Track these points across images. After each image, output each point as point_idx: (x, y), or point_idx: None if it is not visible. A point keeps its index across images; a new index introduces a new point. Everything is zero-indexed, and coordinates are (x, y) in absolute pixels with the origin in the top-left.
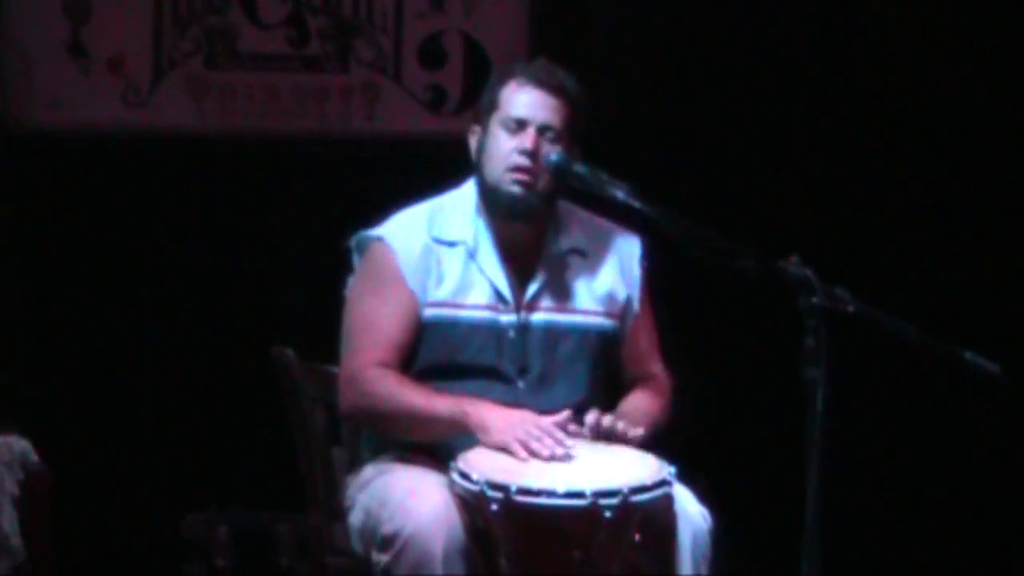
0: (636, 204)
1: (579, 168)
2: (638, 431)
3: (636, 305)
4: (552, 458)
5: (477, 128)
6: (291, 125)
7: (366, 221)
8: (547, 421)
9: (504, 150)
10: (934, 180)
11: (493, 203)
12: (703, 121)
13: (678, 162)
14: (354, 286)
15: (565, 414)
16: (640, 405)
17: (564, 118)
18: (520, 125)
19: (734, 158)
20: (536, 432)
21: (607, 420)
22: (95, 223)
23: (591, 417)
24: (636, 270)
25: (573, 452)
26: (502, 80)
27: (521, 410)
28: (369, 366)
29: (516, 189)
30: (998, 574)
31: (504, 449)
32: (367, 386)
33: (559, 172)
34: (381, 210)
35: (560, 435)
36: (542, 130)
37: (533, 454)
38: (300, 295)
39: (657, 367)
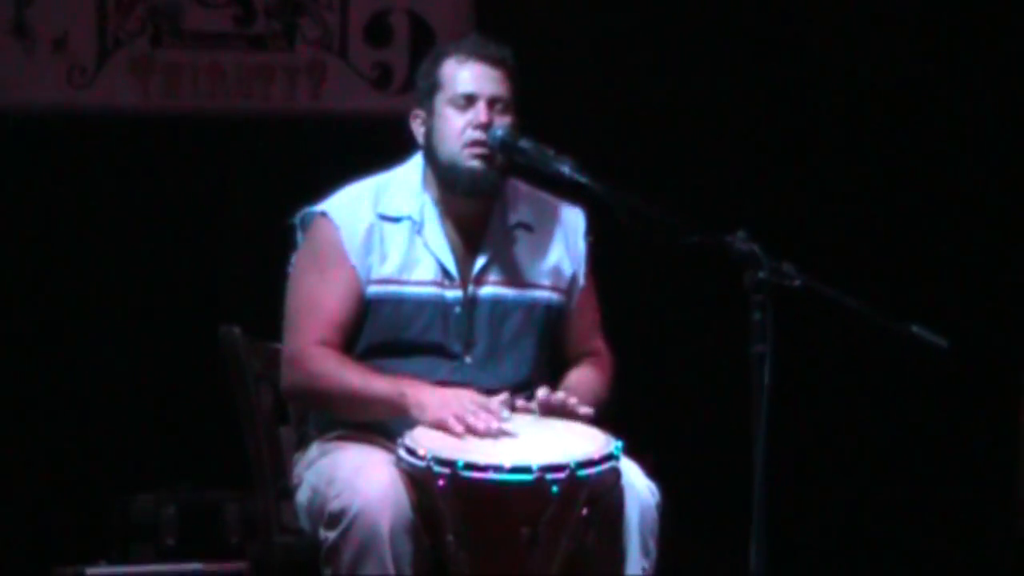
0: (581, 179)
1: (524, 143)
2: (588, 410)
3: (581, 280)
4: (488, 433)
5: (420, 112)
6: (237, 104)
7: (312, 199)
8: (484, 399)
9: (457, 127)
10: (881, 153)
11: (452, 181)
12: (647, 95)
13: (621, 137)
14: (297, 263)
15: (504, 395)
16: (585, 380)
17: (509, 88)
18: (469, 100)
19: (678, 132)
20: (472, 407)
21: (557, 396)
22: (40, 203)
23: (541, 393)
24: (581, 244)
25: (518, 428)
26: (438, 60)
27: (459, 389)
28: (310, 345)
29: (476, 163)
30: (943, 545)
31: (442, 427)
32: (307, 365)
33: (505, 148)
34: (327, 188)
35: (497, 410)
36: (492, 102)
37: (470, 429)
38: (247, 273)
39: (599, 343)
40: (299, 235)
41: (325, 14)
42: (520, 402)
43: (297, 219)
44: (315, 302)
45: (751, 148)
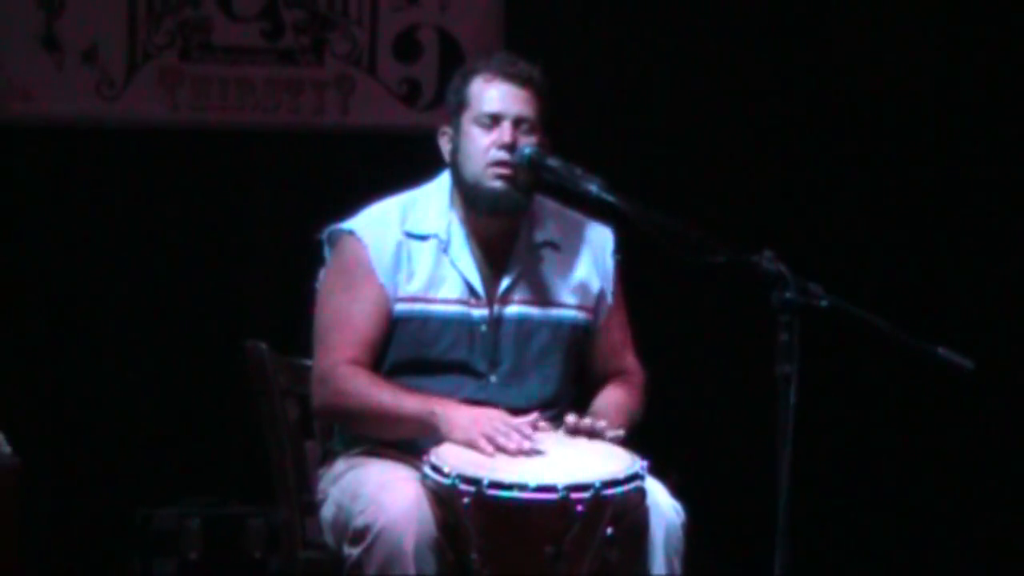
0: (609, 198)
1: (552, 162)
2: (619, 433)
3: (609, 298)
4: (519, 452)
5: (448, 129)
6: (265, 118)
7: (340, 215)
8: (515, 419)
9: (481, 147)
10: (909, 176)
11: (475, 200)
12: (675, 114)
13: (650, 156)
14: (325, 280)
15: (534, 415)
16: (616, 400)
17: (536, 108)
18: (495, 120)
19: (707, 151)
20: (503, 428)
21: (584, 423)
22: (68, 216)
23: (570, 419)
24: (609, 262)
25: (545, 447)
26: (467, 78)
27: (489, 408)
28: (340, 363)
29: (498, 184)
30: (969, 564)
31: (472, 446)
32: (338, 384)
33: (532, 166)
34: (355, 204)
35: (528, 431)
36: (517, 122)
37: (500, 449)
38: (273, 288)
39: (630, 361)
40: (326, 251)
41: (354, 29)
42: (543, 423)
43: (324, 236)
44: (344, 320)
45: (780, 168)
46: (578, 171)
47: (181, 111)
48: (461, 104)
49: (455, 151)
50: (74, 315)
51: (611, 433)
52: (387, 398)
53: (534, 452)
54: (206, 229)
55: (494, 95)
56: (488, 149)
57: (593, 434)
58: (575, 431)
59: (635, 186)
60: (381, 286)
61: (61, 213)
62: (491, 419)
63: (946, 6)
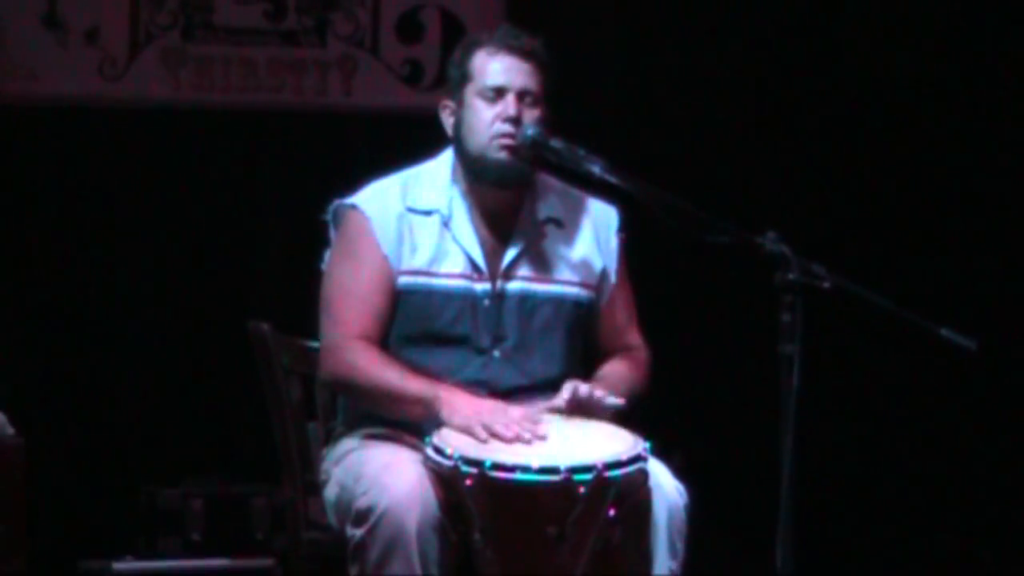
0: (612, 179)
1: (555, 143)
2: (618, 400)
3: (613, 276)
4: (517, 439)
5: (449, 103)
6: (268, 99)
7: (343, 195)
8: (518, 413)
9: (486, 120)
10: (910, 156)
11: (480, 173)
12: (679, 93)
13: (653, 134)
14: (331, 255)
15: (536, 408)
16: (618, 371)
17: (539, 81)
18: (499, 93)
19: (710, 131)
20: (503, 419)
21: (584, 389)
22: (71, 196)
23: (569, 385)
24: (613, 241)
25: (547, 429)
26: (470, 50)
27: (494, 401)
28: (351, 337)
29: (503, 155)
30: (971, 546)
31: (467, 432)
32: (348, 356)
33: (536, 147)
34: (358, 183)
35: (528, 425)
36: (521, 95)
37: (495, 436)
38: (277, 268)
39: (635, 339)
40: (331, 231)
41: (357, 10)
42: (545, 417)
43: (328, 214)
44: (351, 291)
45: (783, 148)
46: (580, 152)
47: (184, 91)
48: (464, 77)
49: (458, 124)
50: (77, 296)
51: (610, 400)
52: (394, 377)
53: (535, 438)
54: (210, 210)
55: (497, 68)
56: (493, 122)
57: (591, 402)
58: (574, 400)
59: (638, 165)
60: (385, 257)
61: (64, 194)
62: (493, 411)
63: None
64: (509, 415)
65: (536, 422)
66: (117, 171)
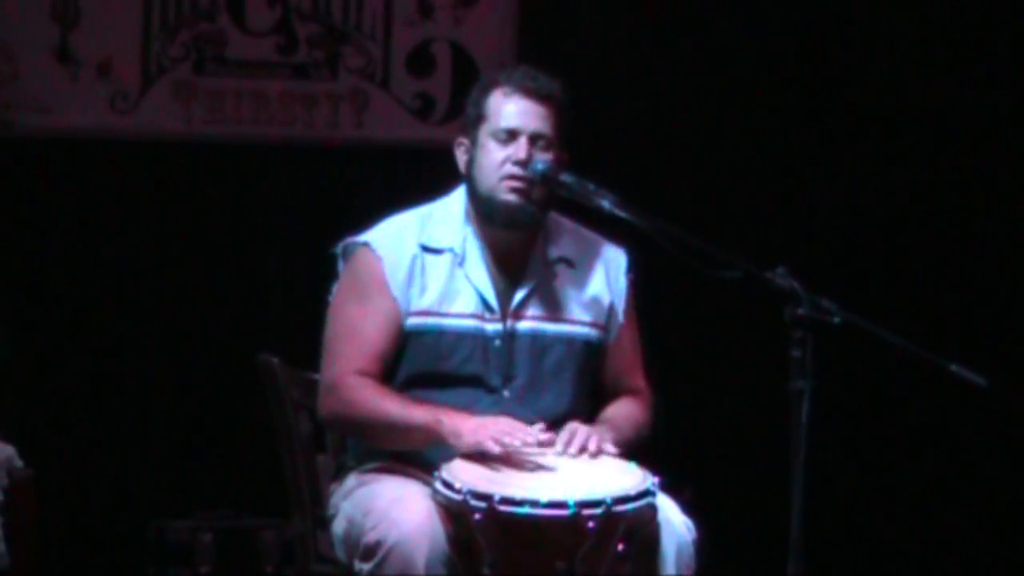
0: (622, 214)
1: (565, 177)
2: (612, 451)
3: (621, 316)
4: (526, 445)
5: (464, 140)
6: (279, 132)
7: (353, 228)
8: (521, 424)
9: (496, 161)
10: (922, 193)
11: (489, 213)
12: (690, 129)
13: (664, 170)
14: (338, 291)
15: (541, 425)
16: (624, 413)
17: (553, 125)
18: (511, 135)
19: (721, 167)
20: (508, 430)
21: (581, 436)
22: (82, 228)
23: (568, 428)
24: (622, 281)
25: (557, 462)
26: (486, 90)
27: (495, 416)
28: (349, 374)
29: (512, 198)
30: None
31: (479, 449)
32: (345, 393)
33: (545, 181)
34: (369, 217)
35: (534, 432)
36: (534, 139)
37: (506, 449)
38: (287, 302)
39: (640, 382)
40: (340, 264)
41: (368, 44)
42: (550, 435)
43: (339, 249)
44: (355, 331)
45: (793, 184)
46: (591, 187)
47: (195, 124)
48: (479, 116)
49: (471, 163)
50: (88, 327)
51: (609, 448)
52: (394, 408)
53: (541, 467)
54: (220, 243)
55: (512, 110)
56: (503, 164)
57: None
58: (570, 440)
59: (648, 200)
60: (394, 299)
61: (75, 226)
62: (497, 423)
63: (961, 19)
64: (514, 425)
65: (543, 430)
66: (129, 204)
